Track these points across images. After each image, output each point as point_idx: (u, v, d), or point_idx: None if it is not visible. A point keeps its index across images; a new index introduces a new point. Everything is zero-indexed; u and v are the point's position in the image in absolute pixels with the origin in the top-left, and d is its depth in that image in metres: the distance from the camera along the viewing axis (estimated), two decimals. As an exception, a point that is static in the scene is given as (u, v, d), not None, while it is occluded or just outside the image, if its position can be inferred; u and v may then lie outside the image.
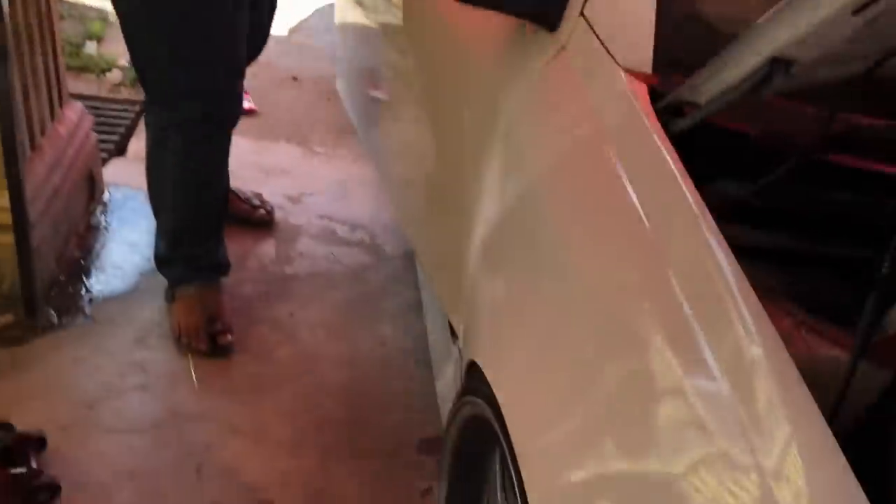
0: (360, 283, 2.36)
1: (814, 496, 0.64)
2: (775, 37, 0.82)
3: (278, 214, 2.56)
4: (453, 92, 1.63)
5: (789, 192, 0.99)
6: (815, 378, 0.74)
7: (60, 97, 2.20)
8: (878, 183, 0.99)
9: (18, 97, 1.85)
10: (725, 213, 0.90)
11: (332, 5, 3.19)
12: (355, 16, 2.41)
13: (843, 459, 0.65)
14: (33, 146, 2.00)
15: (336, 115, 3.05)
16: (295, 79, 3.55)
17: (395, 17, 1.96)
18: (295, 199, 2.69)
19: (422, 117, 1.92)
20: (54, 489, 1.58)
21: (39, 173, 2.00)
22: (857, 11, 0.75)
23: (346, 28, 2.62)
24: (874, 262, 0.82)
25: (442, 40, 1.70)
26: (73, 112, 2.29)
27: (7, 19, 1.73)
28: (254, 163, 2.81)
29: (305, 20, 4.12)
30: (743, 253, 0.84)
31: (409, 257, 2.44)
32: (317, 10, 4.19)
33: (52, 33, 2.10)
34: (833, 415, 0.76)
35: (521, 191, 1.20)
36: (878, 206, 0.97)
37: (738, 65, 0.88)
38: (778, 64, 0.85)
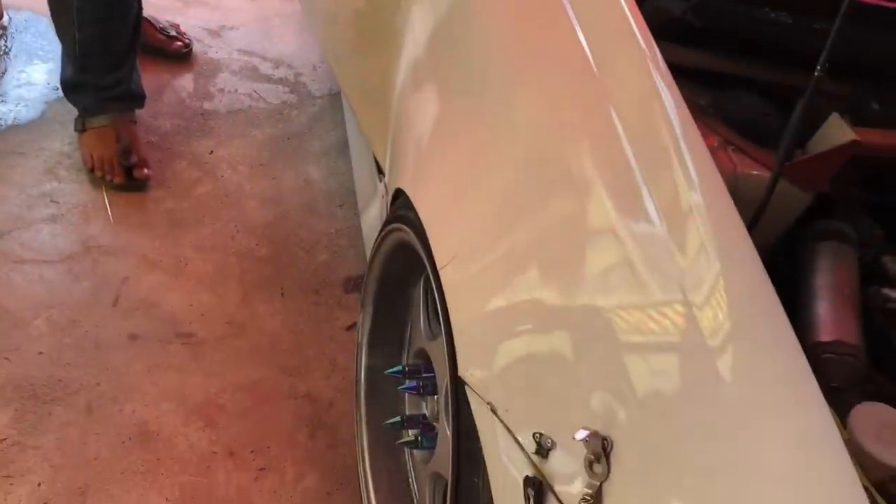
0: (283, 121, 2.28)
1: (735, 325, 0.66)
2: None
3: (196, 48, 2.41)
4: None
5: (726, 11, 0.96)
6: (737, 196, 0.74)
7: None
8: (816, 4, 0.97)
9: None
10: (663, 31, 0.87)
11: None
12: None
13: (775, 300, 0.65)
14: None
15: (258, -55, 2.84)
16: None
17: None
18: (214, 33, 2.53)
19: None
20: (-38, 318, 1.54)
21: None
22: None
23: None
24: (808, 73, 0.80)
25: None
26: (-38, -80, 2.06)
27: None
28: (170, -9, 2.62)
29: None
30: (678, 72, 0.82)
31: (334, 97, 2.35)
32: None
33: None
34: (749, 228, 0.76)
35: (453, 7, 1.14)
36: (813, 27, 0.95)
37: None
38: None
